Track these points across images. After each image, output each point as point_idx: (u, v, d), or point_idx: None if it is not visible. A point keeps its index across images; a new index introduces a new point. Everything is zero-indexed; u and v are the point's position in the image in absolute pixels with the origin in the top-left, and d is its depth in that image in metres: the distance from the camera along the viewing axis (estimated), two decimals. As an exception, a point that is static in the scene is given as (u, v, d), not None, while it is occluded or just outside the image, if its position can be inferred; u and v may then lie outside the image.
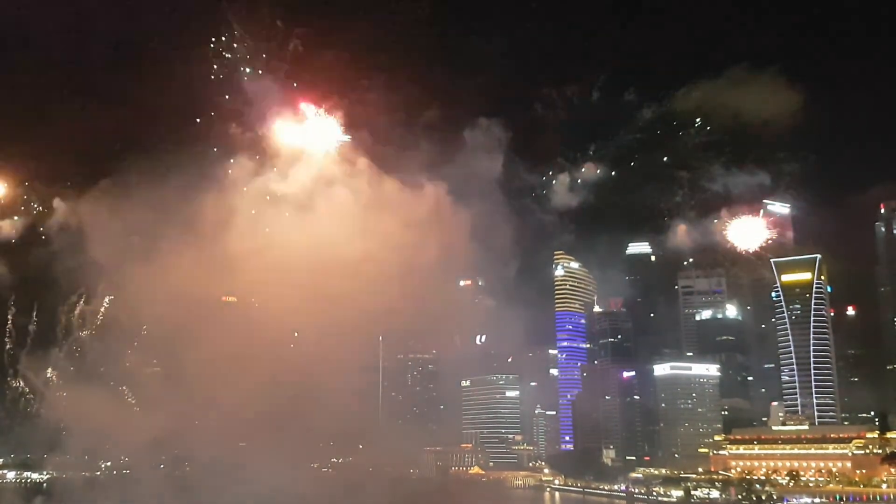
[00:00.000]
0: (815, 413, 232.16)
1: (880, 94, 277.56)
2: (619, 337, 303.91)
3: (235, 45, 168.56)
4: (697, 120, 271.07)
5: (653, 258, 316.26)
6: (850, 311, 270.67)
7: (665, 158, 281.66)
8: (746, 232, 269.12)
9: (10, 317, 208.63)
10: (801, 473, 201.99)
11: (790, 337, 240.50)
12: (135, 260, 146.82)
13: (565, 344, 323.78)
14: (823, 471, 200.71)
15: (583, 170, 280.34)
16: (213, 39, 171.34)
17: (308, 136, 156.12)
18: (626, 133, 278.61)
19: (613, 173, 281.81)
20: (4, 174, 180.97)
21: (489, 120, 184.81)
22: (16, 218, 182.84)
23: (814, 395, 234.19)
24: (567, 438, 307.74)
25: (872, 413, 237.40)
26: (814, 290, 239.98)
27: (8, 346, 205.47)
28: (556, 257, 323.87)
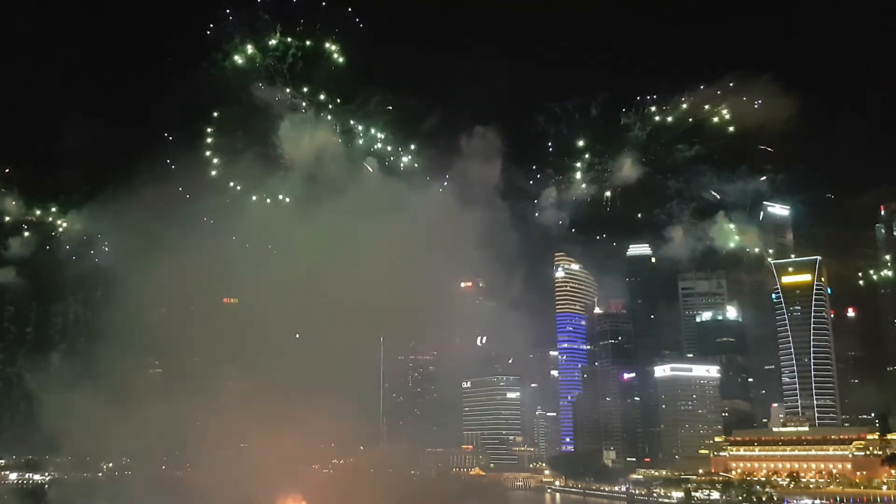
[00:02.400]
0: (816, 415, 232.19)
1: (880, 94, 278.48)
2: (620, 338, 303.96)
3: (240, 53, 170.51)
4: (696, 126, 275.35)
5: (653, 260, 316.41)
6: (851, 312, 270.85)
7: (665, 163, 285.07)
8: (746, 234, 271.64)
9: (10, 320, 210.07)
10: (802, 475, 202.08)
11: (790, 339, 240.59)
12: (138, 264, 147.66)
13: (566, 345, 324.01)
14: (824, 472, 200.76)
15: (582, 175, 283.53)
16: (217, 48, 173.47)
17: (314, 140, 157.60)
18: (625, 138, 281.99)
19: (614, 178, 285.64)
20: (14, 190, 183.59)
21: (489, 127, 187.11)
22: (26, 234, 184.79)
23: (814, 397, 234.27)
24: (567, 440, 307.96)
25: (873, 414, 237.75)
26: (814, 291, 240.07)
27: (10, 350, 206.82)
28: (556, 259, 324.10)
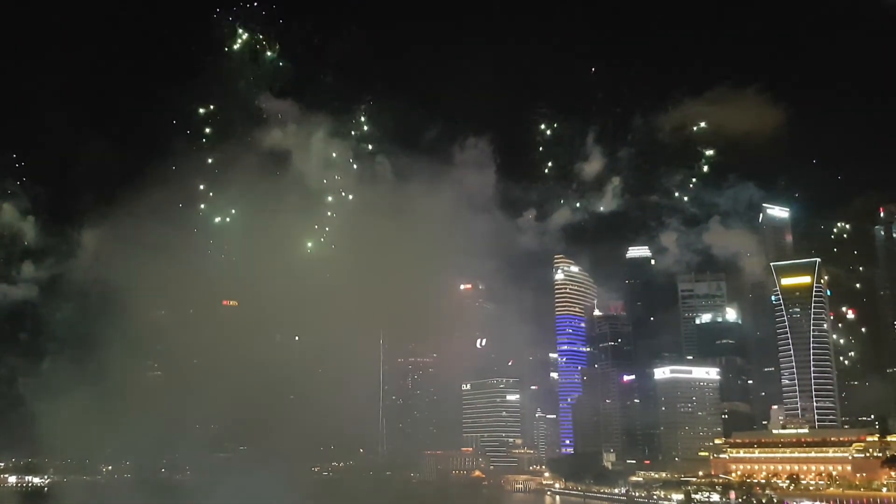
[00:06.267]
0: (816, 416, 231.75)
1: (880, 96, 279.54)
2: (620, 340, 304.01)
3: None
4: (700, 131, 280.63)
5: (653, 262, 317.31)
6: (850, 314, 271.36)
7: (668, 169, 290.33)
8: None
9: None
10: (802, 477, 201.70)
11: (790, 340, 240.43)
12: (139, 269, 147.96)
13: (565, 348, 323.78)
14: (823, 474, 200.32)
15: (583, 180, 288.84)
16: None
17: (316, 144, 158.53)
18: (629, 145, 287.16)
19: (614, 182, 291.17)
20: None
21: (484, 136, 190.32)
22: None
23: (814, 399, 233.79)
24: (567, 442, 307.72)
25: (872, 416, 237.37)
26: (813, 293, 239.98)
27: (10, 354, 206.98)
28: (556, 261, 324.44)
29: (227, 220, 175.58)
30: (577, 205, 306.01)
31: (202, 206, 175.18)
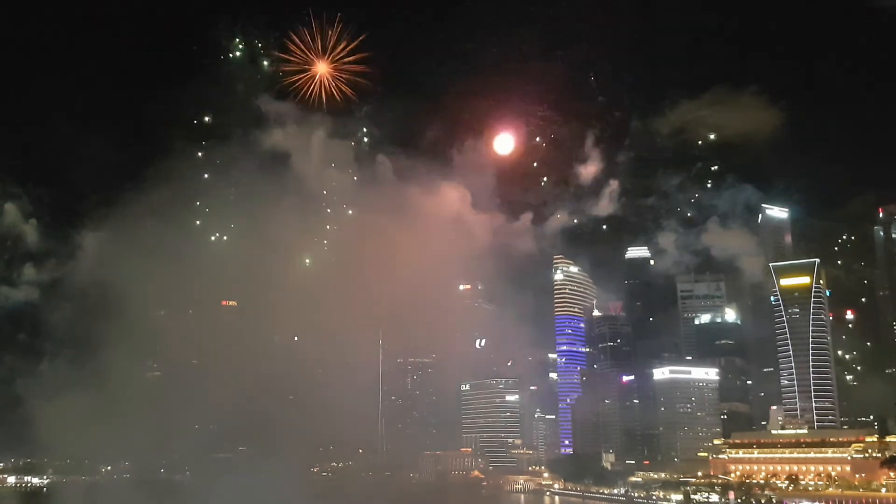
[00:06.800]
0: (815, 417, 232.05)
1: (879, 97, 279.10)
2: (619, 341, 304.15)
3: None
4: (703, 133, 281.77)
5: (652, 262, 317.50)
6: (849, 315, 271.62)
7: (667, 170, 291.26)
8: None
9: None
10: (801, 477, 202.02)
11: (789, 341, 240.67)
12: (138, 270, 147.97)
13: (565, 348, 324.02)
14: (823, 475, 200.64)
15: (582, 182, 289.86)
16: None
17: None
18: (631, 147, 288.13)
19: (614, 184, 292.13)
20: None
21: (483, 138, 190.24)
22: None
23: (813, 399, 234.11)
24: (566, 442, 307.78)
25: (872, 417, 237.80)
26: (813, 294, 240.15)
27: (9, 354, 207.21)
28: (555, 261, 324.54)
29: (228, 220, 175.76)
30: (576, 206, 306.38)
31: (203, 207, 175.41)
